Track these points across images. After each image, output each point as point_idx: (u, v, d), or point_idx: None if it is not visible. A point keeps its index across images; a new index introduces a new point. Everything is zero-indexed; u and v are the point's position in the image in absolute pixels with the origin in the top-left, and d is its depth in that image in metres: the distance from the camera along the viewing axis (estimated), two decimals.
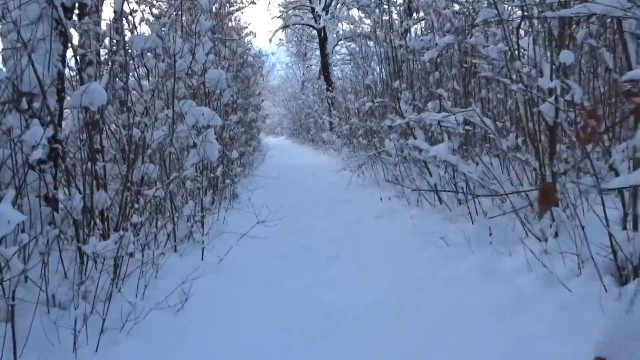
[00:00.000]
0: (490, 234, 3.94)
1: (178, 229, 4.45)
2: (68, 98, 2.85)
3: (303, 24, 20.37)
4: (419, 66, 5.45)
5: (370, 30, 10.15)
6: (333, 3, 18.44)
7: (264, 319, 2.92)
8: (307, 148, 19.52)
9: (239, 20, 13.22)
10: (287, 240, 4.73)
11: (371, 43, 9.81)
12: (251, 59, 14.79)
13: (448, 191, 4.94)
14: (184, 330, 2.65)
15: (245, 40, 12.66)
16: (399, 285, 3.41)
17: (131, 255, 2.84)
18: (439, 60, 5.46)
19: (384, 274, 3.70)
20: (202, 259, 3.89)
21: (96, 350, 2.25)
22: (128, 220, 3.17)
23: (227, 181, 5.88)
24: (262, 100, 14.40)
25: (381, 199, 5.85)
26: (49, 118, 3.24)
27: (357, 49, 10.84)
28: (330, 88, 16.50)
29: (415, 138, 5.26)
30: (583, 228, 2.80)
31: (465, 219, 4.57)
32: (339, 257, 4.28)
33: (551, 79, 2.72)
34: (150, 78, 4.14)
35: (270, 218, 4.19)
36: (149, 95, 3.97)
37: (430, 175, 5.28)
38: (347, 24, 18.03)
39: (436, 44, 5.02)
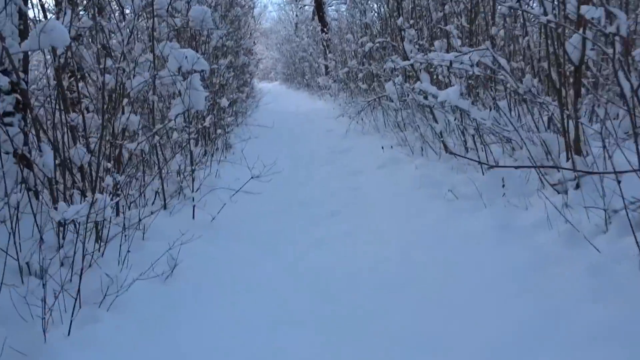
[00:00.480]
0: (503, 186, 3.65)
1: (167, 185, 4.14)
2: (25, 41, 2.45)
3: None
4: (424, 1, 4.96)
5: None
6: None
7: (261, 285, 2.66)
8: (302, 93, 18.93)
9: None
10: (284, 194, 4.44)
11: None
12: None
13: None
14: (173, 301, 2.40)
15: None
16: (406, 244, 3.14)
17: (108, 220, 2.54)
18: None
19: (389, 231, 3.43)
20: (193, 217, 3.60)
21: (68, 334, 1.98)
22: (102, 179, 2.84)
23: (219, 131, 5.51)
24: (255, 43, 13.74)
25: (382, 148, 5.52)
26: (9, 64, 2.85)
27: None
28: (325, 29, 15.75)
29: (420, 81, 4.87)
30: (619, 180, 2.49)
31: (474, 169, 4.27)
32: (339, 212, 4.01)
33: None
34: (125, 16, 3.69)
35: (266, 172, 3.87)
36: (125, 36, 3.54)
37: (436, 121, 4.92)
38: None
39: None
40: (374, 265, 2.87)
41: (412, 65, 4.59)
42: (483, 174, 4.07)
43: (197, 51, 6.36)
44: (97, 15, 3.74)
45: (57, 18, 3.05)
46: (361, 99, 10.03)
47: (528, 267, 2.61)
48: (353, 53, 11.84)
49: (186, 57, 3.18)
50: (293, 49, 23.05)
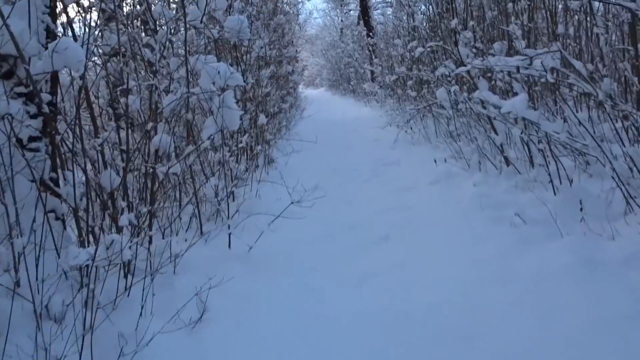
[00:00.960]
0: (582, 209, 3.14)
1: (205, 208, 3.88)
2: (38, 62, 2.22)
3: None
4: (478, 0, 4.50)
5: None
6: None
7: (301, 335, 2.31)
8: (348, 100, 18.60)
9: None
10: (329, 216, 4.08)
11: None
12: (286, 6, 13.84)
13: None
14: (200, 356, 2.08)
15: None
16: (468, 282, 2.71)
17: (128, 262, 2.27)
18: None
19: (447, 263, 3.01)
20: (229, 246, 3.30)
21: None
22: (130, 208, 2.58)
23: (259, 147, 5.23)
24: (298, 51, 13.52)
25: (435, 161, 5.07)
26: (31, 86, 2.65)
27: None
28: (370, 34, 15.36)
29: (477, 88, 4.40)
30: None
31: (543, 187, 3.77)
32: (389, 237, 3.61)
33: None
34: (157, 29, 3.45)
35: (307, 196, 3.52)
36: (158, 51, 3.31)
37: (496, 132, 4.44)
38: None
39: None
40: (431, 310, 2.46)
41: (468, 71, 4.14)
42: (555, 193, 3.56)
43: (238, 63, 6.16)
44: (134, 28, 3.54)
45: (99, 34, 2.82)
46: (410, 106, 9.57)
47: (624, 315, 2.14)
48: (400, 58, 11.40)
49: (218, 72, 2.89)
50: (338, 54, 22.80)
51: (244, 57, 6.15)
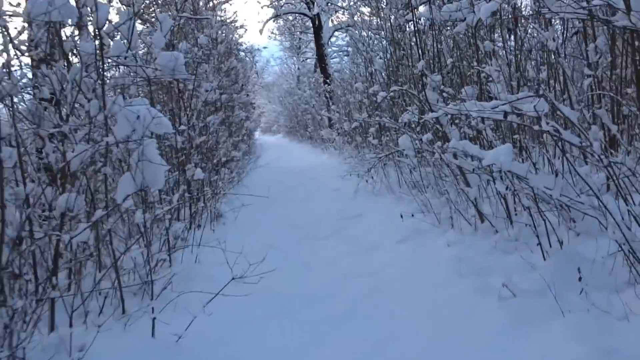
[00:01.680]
0: (580, 278, 2.65)
1: (130, 278, 3.18)
2: None
3: (295, 13, 18.98)
4: (446, 42, 4.15)
5: (371, 13, 8.89)
6: None
7: None
8: (305, 147, 18.23)
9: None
10: (281, 284, 3.43)
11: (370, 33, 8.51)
12: (242, 53, 13.50)
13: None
14: None
15: (234, 33, 11.40)
16: None
17: None
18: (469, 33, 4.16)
19: (428, 351, 2.41)
20: (153, 334, 2.60)
21: None
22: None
23: (200, 205, 4.59)
24: (249, 96, 13.09)
25: (401, 215, 4.56)
26: None
27: (357, 36, 9.50)
28: (327, 81, 15.20)
29: (445, 137, 3.97)
30: None
31: (527, 247, 3.29)
32: (355, 312, 3.00)
33: None
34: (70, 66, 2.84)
35: (254, 269, 2.89)
36: (69, 91, 2.69)
37: (469, 185, 3.98)
38: (344, 12, 16.70)
39: (471, 10, 3.72)
40: None
41: (437, 118, 3.70)
42: (544, 257, 3.07)
43: (183, 108, 5.57)
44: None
45: None
46: (369, 154, 9.18)
47: None
48: (358, 104, 11.13)
49: (138, 116, 2.29)
50: (295, 101, 22.62)
51: (190, 101, 5.59)
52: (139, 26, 3.87)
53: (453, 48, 3.96)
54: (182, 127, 4.68)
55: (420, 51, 3.98)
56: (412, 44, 6.25)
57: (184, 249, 3.89)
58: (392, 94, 4.44)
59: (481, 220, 3.98)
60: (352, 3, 15.61)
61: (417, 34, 4.03)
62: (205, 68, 6.67)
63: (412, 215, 4.55)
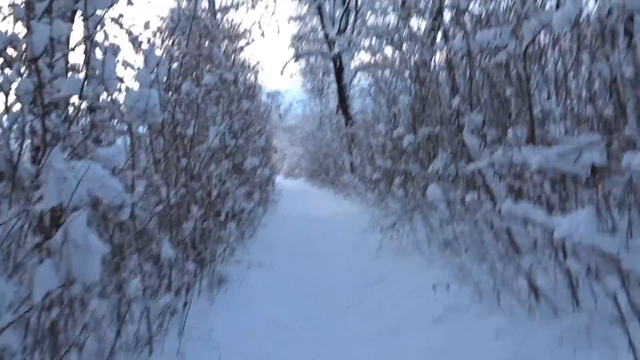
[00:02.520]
0: None
1: None
2: None
3: (316, 53, 18.69)
4: (483, 76, 3.44)
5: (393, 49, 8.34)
6: (348, 29, 16.76)
7: None
8: (326, 192, 17.54)
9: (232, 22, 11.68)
10: None
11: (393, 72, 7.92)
12: (264, 97, 13.10)
13: None
14: None
15: (252, 74, 11.00)
16: None
17: None
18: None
19: None
20: None
21: None
22: None
23: (189, 265, 3.87)
24: (271, 142, 12.57)
25: (434, 287, 3.75)
26: None
27: (379, 76, 8.90)
28: (349, 122, 14.64)
29: (489, 192, 3.19)
30: None
31: (605, 343, 2.45)
32: None
33: None
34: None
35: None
36: None
37: (517, 250, 3.18)
38: (366, 51, 16.30)
39: (517, 34, 3.02)
40: None
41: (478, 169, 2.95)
42: (636, 357, 2.23)
43: (188, 157, 4.95)
44: None
45: None
46: (393, 203, 8.41)
47: None
48: (382, 148, 10.45)
49: (65, 177, 1.61)
50: (317, 144, 22.14)
51: (190, 148, 4.97)
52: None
53: (496, 79, 3.24)
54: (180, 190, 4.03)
55: (452, 86, 3.29)
56: (440, 80, 5.59)
57: (167, 332, 3.15)
58: (420, 137, 3.71)
59: (536, 298, 3.15)
60: (374, 42, 15.25)
61: (449, 64, 3.34)
62: (214, 110, 6.11)
63: (448, 288, 3.73)
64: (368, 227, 6.55)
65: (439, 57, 6.03)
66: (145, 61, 3.22)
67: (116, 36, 3.81)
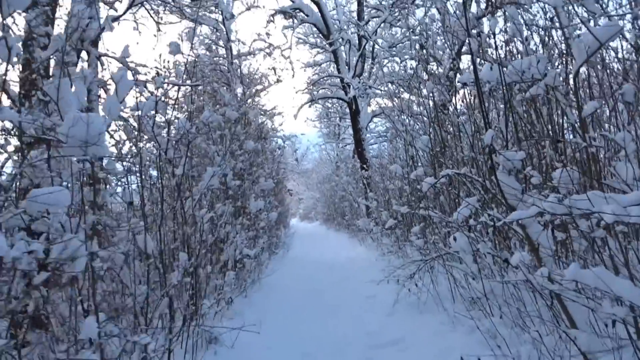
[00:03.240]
0: None
1: None
2: None
3: (331, 97, 18.41)
4: (521, 106, 2.89)
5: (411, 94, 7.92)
6: (365, 75, 16.53)
7: None
8: (341, 236, 16.87)
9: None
10: None
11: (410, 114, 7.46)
12: (280, 141, 12.74)
13: None
14: None
15: (266, 119, 10.71)
16: None
17: None
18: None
19: None
20: None
21: None
22: None
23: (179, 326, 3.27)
24: (279, 184, 12.09)
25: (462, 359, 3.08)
26: None
27: (397, 118, 8.43)
28: (365, 166, 14.15)
29: (532, 246, 2.58)
30: None
31: None
32: None
33: None
34: None
35: None
36: None
37: (572, 323, 2.52)
38: (382, 95, 15.96)
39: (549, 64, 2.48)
40: None
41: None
42: None
43: (178, 199, 4.45)
44: None
45: None
46: (411, 249, 7.75)
47: None
48: (398, 192, 9.88)
49: None
50: (332, 187, 21.67)
51: (180, 192, 4.46)
52: None
53: (538, 115, 2.68)
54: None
55: (483, 119, 2.73)
56: (459, 122, 5.08)
57: None
58: (442, 179, 3.14)
59: None
60: (390, 88, 14.85)
61: (480, 96, 2.78)
62: (214, 150, 5.65)
63: None
64: (383, 278, 5.88)
65: (460, 97, 5.58)
66: (117, 89, 2.74)
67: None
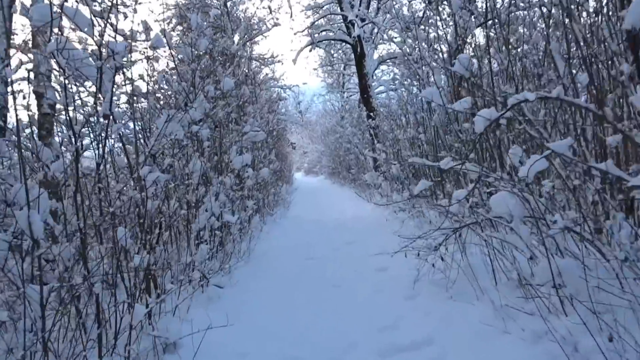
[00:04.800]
0: None
1: None
2: None
3: (333, 39, 16.75)
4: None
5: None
6: (371, 14, 14.87)
7: None
8: (347, 192, 15.72)
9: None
10: None
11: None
12: (281, 91, 11.41)
13: None
14: None
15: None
16: None
17: None
18: None
19: None
20: None
21: None
22: None
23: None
24: (264, 135, 10.88)
25: None
26: None
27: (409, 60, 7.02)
28: (372, 114, 12.81)
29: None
30: None
31: None
32: None
33: None
34: None
35: None
36: None
37: None
38: (389, 40, 14.38)
39: None
40: None
41: None
42: None
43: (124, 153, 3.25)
44: None
45: None
46: (428, 207, 6.56)
47: None
48: (408, 142, 8.67)
49: None
50: (337, 139, 20.35)
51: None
52: None
53: None
54: None
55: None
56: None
57: None
58: (516, 105, 1.84)
59: None
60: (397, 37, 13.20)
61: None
62: (177, 89, 4.38)
63: None
64: (398, 247, 4.69)
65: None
66: None
67: None
